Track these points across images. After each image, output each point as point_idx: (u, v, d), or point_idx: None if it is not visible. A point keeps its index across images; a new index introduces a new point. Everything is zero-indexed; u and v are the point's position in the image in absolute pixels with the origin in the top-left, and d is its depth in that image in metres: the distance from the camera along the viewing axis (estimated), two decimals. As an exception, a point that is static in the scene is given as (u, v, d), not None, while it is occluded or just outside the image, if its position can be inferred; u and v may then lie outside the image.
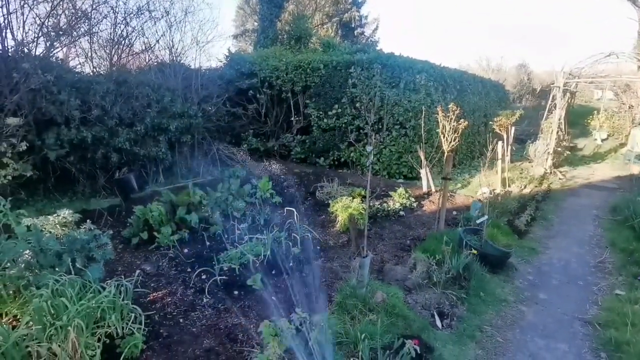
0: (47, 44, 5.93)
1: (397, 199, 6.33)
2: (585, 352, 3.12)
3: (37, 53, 5.93)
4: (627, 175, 9.93)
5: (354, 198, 5.98)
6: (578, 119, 15.62)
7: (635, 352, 2.92)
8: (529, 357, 3.04)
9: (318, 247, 4.72)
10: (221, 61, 10.63)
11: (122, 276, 3.35)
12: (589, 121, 15.33)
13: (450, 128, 5.46)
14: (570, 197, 8.10)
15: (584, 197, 8.09)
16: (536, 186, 8.36)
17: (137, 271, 3.59)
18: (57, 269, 3.00)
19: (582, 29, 54.42)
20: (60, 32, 6.08)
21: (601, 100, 19.68)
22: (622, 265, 4.76)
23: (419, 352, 2.83)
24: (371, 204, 6.07)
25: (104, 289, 2.97)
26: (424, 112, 7.62)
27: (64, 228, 3.54)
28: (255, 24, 17.28)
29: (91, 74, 6.88)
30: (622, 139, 13.82)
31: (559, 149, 10.46)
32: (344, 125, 9.07)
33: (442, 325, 3.35)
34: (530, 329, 3.43)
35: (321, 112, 9.41)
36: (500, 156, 7.50)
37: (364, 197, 5.97)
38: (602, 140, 14.50)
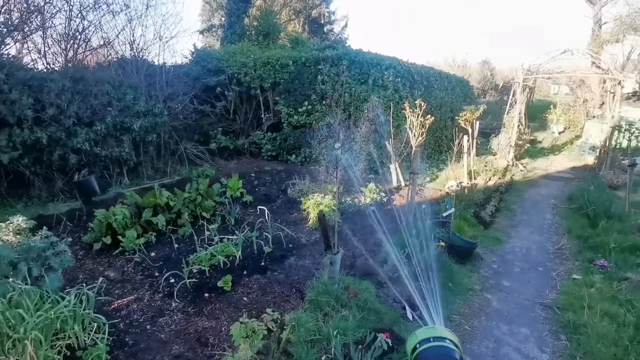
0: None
1: (368, 194, 6.41)
2: (546, 335, 3.30)
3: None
4: (582, 165, 10.56)
5: (325, 195, 5.99)
6: (537, 113, 16.41)
7: (592, 334, 3.11)
8: (494, 343, 3.18)
9: (290, 245, 4.70)
10: (187, 57, 10.31)
11: (84, 284, 3.19)
12: (546, 115, 16.13)
13: (417, 123, 5.57)
14: (531, 187, 8.51)
15: (543, 188, 8.52)
16: (500, 178, 8.72)
17: (100, 278, 3.44)
18: (11, 279, 2.81)
19: (544, 26, 57.06)
20: (12, 28, 5.68)
21: (558, 94, 20.78)
22: (578, 250, 5.05)
23: (390, 344, 2.89)
24: (343, 200, 6.11)
25: (63, 298, 2.82)
26: (392, 108, 7.73)
27: (17, 236, 3.33)
28: (222, 19, 16.89)
29: (45, 70, 6.48)
30: (577, 132, 14.66)
31: (520, 142, 10.94)
32: (314, 121, 9.06)
33: (413, 317, 3.43)
34: (495, 315, 3.58)
35: (291, 109, 9.35)
36: (466, 150, 7.74)
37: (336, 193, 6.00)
38: (559, 133, 15.32)
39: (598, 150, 10.43)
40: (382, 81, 8.49)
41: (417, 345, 0.50)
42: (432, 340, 0.49)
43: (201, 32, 19.26)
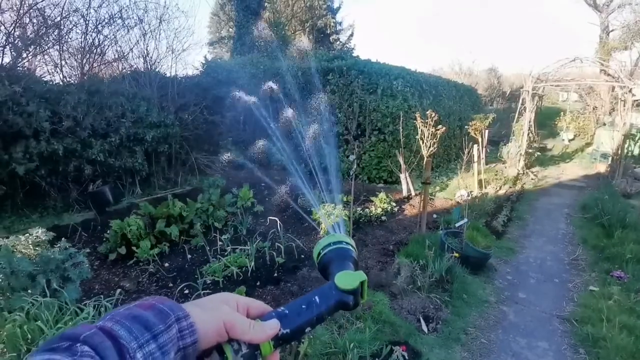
0: (14, 54, 5.68)
1: (379, 204, 6.40)
2: (565, 348, 3.24)
3: (4, 63, 5.69)
4: (594, 173, 10.43)
5: (336, 204, 5.99)
6: (545, 120, 16.29)
7: (612, 347, 3.04)
8: (512, 357, 3.13)
9: (302, 256, 4.70)
10: (197, 69, 10.49)
11: (101, 295, 3.22)
12: (556, 122, 16.01)
13: (429, 134, 5.58)
14: (543, 196, 8.42)
15: (555, 196, 8.42)
16: (510, 187, 8.65)
17: (118, 290, 3.47)
18: (30, 292, 2.86)
19: (550, 33, 57.04)
20: (28, 42, 5.85)
21: (567, 101, 20.64)
22: (594, 261, 4.97)
23: (407, 358, 2.87)
24: (353, 210, 6.11)
25: (81, 310, 2.85)
26: (402, 118, 7.76)
27: (36, 248, 3.38)
28: (231, 30, 17.16)
29: (61, 83, 6.64)
30: (588, 139, 14.52)
31: (530, 150, 10.86)
32: (324, 131, 9.11)
33: (428, 330, 3.40)
34: (512, 328, 3.53)
35: (301, 119, 9.42)
36: (476, 159, 7.72)
37: (347, 203, 6.01)
38: (569, 140, 15.18)
39: (610, 158, 10.31)
40: (391, 91, 8.53)
41: (321, 251, 0.61)
42: (331, 245, 0.61)
43: (210, 44, 19.57)
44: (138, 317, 0.41)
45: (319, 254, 0.68)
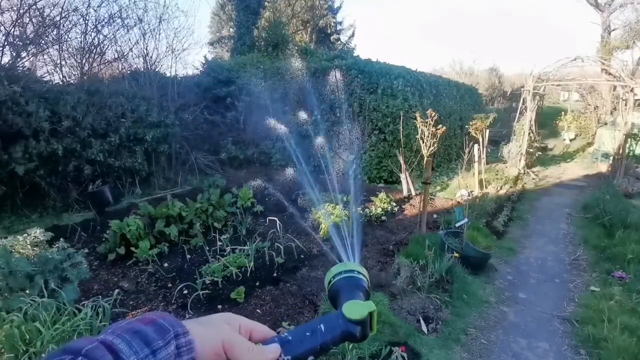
0: (14, 54, 5.68)
1: (379, 204, 6.37)
2: (565, 349, 3.22)
3: (3, 63, 5.69)
4: (595, 173, 10.39)
5: (336, 205, 5.98)
6: (546, 120, 16.22)
7: (613, 348, 3.02)
8: (512, 357, 3.11)
9: (302, 256, 4.68)
10: (197, 69, 10.48)
11: (99, 295, 3.21)
12: (557, 122, 15.94)
13: (429, 133, 5.56)
14: (544, 196, 8.39)
15: (556, 196, 8.39)
16: (511, 187, 8.61)
17: (116, 290, 3.46)
18: (28, 292, 2.85)
19: (551, 33, 56.92)
20: (28, 42, 5.84)
21: (568, 101, 20.58)
22: (595, 262, 4.94)
23: (406, 358, 2.85)
24: (353, 210, 6.08)
25: (79, 310, 2.84)
26: (402, 117, 7.73)
27: (35, 248, 3.37)
28: (231, 30, 17.15)
29: (61, 83, 6.63)
30: (589, 139, 14.45)
31: (531, 149, 10.82)
32: (323, 131, 9.09)
33: (428, 330, 3.38)
34: (512, 329, 3.51)
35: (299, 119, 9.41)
36: (476, 159, 7.69)
37: (347, 203, 5.99)
38: (571, 140, 15.12)
39: (611, 157, 10.26)
40: (391, 90, 8.51)
41: (332, 279, 0.62)
42: (342, 273, 0.61)
43: (211, 44, 19.56)
44: (139, 332, 0.41)
45: (330, 281, 0.66)
